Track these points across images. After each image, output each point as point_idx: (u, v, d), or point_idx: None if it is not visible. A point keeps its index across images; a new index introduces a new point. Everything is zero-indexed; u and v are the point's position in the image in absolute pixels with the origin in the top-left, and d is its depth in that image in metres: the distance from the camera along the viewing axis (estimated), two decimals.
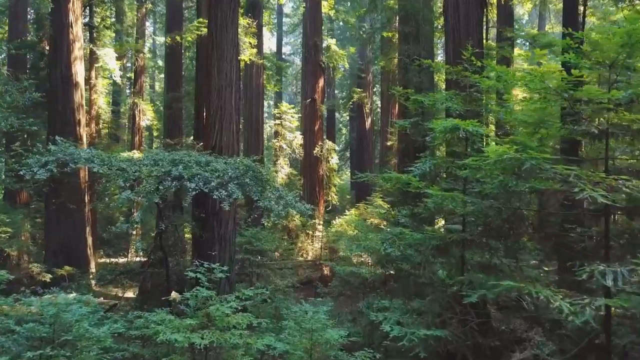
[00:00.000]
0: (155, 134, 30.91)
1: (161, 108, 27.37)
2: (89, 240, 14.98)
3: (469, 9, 11.26)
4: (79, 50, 15.30)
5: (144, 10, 25.65)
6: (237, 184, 6.73)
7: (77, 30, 15.32)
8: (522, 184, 5.21)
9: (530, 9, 27.06)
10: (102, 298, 13.69)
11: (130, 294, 13.40)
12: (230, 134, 9.15)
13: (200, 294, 5.08)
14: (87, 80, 16.64)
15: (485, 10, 11.52)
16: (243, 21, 16.37)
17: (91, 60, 16.92)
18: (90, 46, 16.62)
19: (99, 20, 17.79)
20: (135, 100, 22.79)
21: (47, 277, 13.80)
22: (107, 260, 18.03)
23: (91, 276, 14.32)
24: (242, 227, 11.41)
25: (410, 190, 5.98)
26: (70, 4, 15.13)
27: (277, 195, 6.72)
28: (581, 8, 11.43)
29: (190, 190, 6.57)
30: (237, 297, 5.30)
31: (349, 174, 38.13)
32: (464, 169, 5.61)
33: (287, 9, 38.98)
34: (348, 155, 38.38)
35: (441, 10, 17.09)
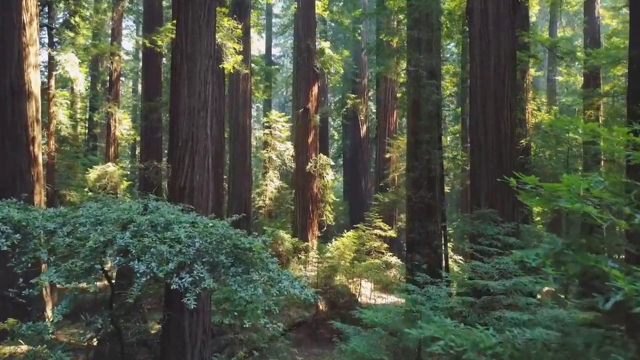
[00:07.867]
0: (138, 139, 28.54)
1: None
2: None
3: (499, 10, 9.29)
4: (34, 55, 13.06)
5: (120, 9, 23.37)
6: (207, 262, 4.68)
7: (32, 32, 13.07)
8: None
9: (538, 11, 25.29)
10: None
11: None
12: (203, 171, 7.08)
13: None
14: (46, 90, 14.34)
15: (517, 12, 9.54)
16: (227, 23, 14.24)
17: (50, 67, 14.62)
18: (49, 51, 14.33)
19: (68, 19, 15.55)
20: (110, 109, 20.48)
21: None
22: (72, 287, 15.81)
23: (47, 321, 12.22)
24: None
25: None
26: (24, 2, 12.92)
27: (267, 278, 4.70)
28: None
29: (139, 274, 4.50)
30: None
31: (342, 182, 36.01)
32: None
33: (276, 9, 36.92)
34: (341, 163, 36.29)
35: (449, 11, 15.14)
